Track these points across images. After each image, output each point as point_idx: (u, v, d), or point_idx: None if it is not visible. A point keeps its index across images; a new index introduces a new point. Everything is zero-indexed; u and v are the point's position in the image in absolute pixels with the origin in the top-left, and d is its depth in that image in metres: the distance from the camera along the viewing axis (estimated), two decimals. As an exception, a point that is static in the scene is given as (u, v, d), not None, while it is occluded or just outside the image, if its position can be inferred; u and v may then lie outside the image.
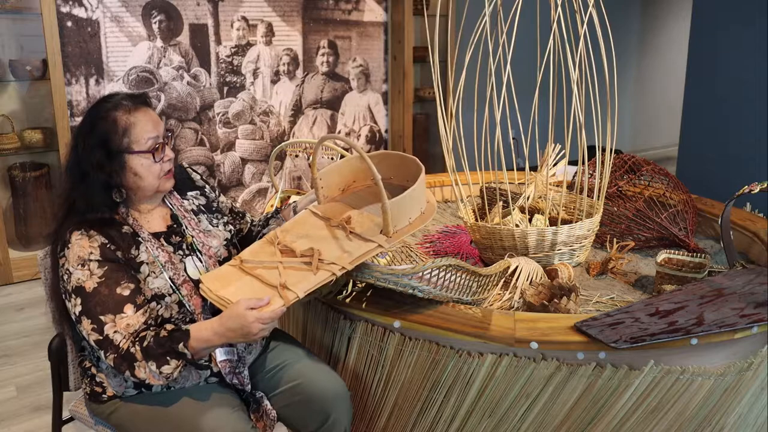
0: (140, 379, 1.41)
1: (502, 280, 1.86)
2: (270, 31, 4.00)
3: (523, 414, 1.57)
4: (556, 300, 1.68)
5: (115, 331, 1.40)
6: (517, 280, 1.84)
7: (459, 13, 4.38)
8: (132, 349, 1.39)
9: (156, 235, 1.56)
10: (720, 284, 1.74)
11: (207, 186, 1.77)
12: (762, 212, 2.35)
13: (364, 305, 1.68)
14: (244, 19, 3.90)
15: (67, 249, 1.44)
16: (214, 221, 1.69)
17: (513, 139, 4.71)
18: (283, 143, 2.34)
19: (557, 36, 1.98)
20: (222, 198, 1.80)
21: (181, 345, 1.39)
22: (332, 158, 4.33)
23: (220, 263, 1.62)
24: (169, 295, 1.51)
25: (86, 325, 1.41)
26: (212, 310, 1.55)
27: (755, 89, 3.80)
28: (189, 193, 1.70)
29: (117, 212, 1.53)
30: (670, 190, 2.35)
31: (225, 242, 1.67)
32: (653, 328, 1.49)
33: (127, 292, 1.44)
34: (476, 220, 2.19)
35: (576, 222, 2.05)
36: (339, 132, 4.34)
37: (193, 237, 1.61)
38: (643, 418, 1.55)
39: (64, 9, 3.37)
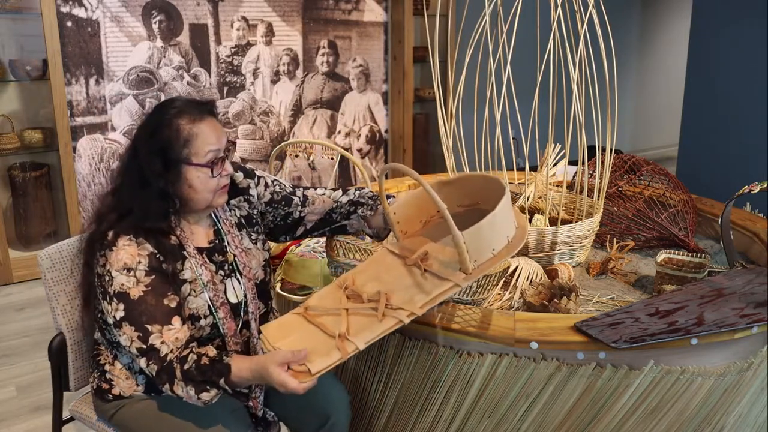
0: (177, 395, 1.36)
1: (502, 280, 1.86)
2: (270, 31, 4.00)
3: (523, 414, 1.57)
4: (556, 300, 1.68)
5: (162, 342, 1.36)
6: (517, 280, 1.84)
7: (459, 13, 4.38)
8: (175, 364, 1.35)
9: (200, 251, 1.50)
10: (720, 284, 1.74)
11: (251, 182, 1.64)
12: (762, 212, 2.35)
13: (364, 305, 1.68)
14: (244, 19, 3.90)
15: (110, 251, 1.39)
16: (253, 236, 1.62)
17: (513, 139, 4.71)
18: (283, 143, 2.34)
19: (557, 36, 1.98)
20: (267, 187, 1.65)
21: (222, 380, 1.34)
22: (331, 158, 4.33)
23: (257, 285, 1.58)
24: (205, 317, 1.47)
25: (128, 331, 1.37)
26: (244, 336, 1.54)
27: (755, 89, 3.80)
28: (231, 202, 1.61)
29: (168, 221, 1.47)
30: (670, 190, 2.35)
31: (263, 263, 1.62)
32: (653, 328, 1.49)
33: (173, 304, 1.40)
34: (476, 220, 2.19)
35: (576, 222, 2.05)
36: (339, 132, 4.34)
37: (235, 256, 1.55)
38: (643, 418, 1.55)
39: (64, 9, 3.37)
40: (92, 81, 3.51)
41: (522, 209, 2.22)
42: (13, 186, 3.48)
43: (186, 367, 1.34)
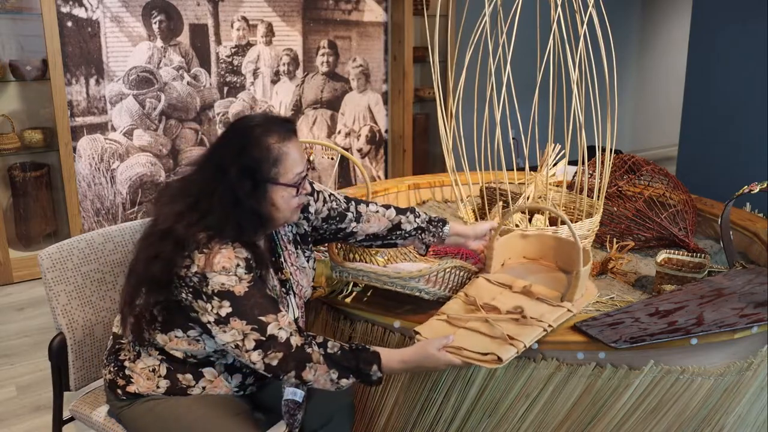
0: (304, 381, 1.35)
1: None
2: (270, 31, 4.00)
3: (523, 414, 1.57)
4: (556, 300, 1.69)
5: (280, 328, 1.34)
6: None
7: (459, 13, 4.38)
8: (309, 349, 1.34)
9: None
10: (720, 284, 1.74)
11: (311, 199, 1.61)
12: (762, 212, 2.35)
13: (364, 305, 1.68)
14: (244, 19, 3.90)
15: (202, 253, 1.34)
16: (307, 253, 1.60)
17: (513, 139, 4.71)
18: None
19: (557, 36, 1.98)
20: (325, 202, 1.64)
21: (374, 367, 1.36)
22: (331, 158, 4.33)
23: (304, 304, 1.58)
24: None
25: (238, 326, 1.33)
26: None
27: (755, 89, 3.80)
28: None
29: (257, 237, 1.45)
30: (670, 190, 2.35)
31: (312, 281, 1.62)
32: (653, 328, 1.49)
33: (275, 296, 1.40)
34: (476, 220, 2.20)
35: (576, 222, 2.05)
36: (339, 132, 4.34)
37: (291, 274, 1.53)
38: (643, 418, 1.55)
39: (64, 9, 3.37)
40: (92, 81, 3.51)
41: (522, 210, 2.22)
42: (14, 186, 3.48)
43: (330, 351, 1.35)
